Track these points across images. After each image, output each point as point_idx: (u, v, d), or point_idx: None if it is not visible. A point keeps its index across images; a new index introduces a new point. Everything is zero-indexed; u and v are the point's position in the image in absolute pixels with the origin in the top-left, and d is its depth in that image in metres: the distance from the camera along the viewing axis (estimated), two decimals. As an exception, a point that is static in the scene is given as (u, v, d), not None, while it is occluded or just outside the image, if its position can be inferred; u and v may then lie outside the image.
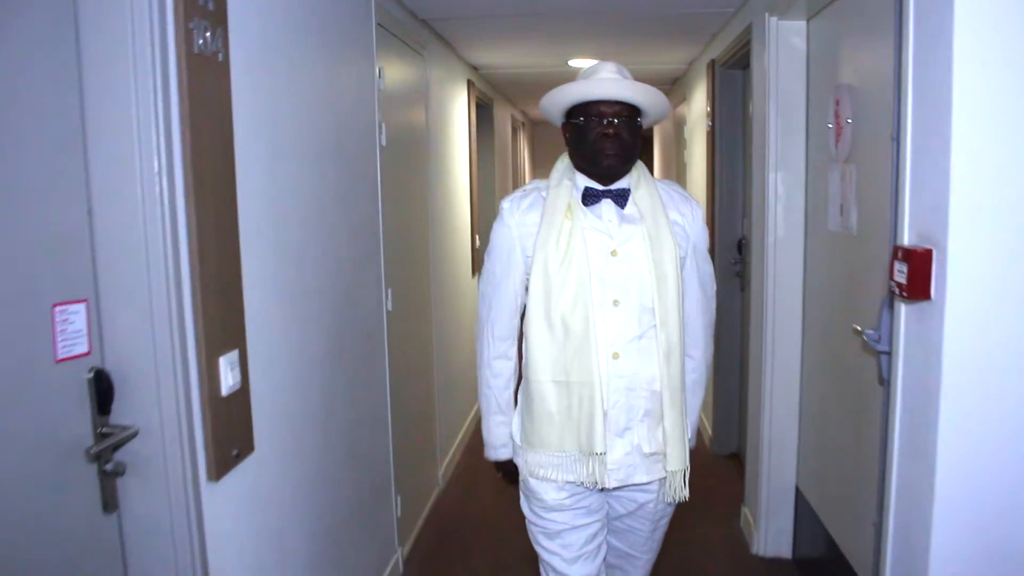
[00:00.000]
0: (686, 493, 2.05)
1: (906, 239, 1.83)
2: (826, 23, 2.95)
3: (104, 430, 1.63)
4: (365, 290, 3.02)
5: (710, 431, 4.99)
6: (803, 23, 3.16)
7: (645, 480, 2.06)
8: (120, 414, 1.65)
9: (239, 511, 1.95)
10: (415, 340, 3.89)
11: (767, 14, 3.22)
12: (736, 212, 4.52)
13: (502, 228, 2.09)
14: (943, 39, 1.64)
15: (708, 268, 2.18)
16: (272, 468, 2.13)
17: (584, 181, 2.04)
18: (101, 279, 1.62)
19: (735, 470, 4.52)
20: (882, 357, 2.10)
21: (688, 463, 2.05)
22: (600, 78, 1.98)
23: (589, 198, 2.02)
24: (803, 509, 3.38)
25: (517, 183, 8.26)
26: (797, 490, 3.45)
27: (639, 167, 2.08)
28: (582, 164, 2.04)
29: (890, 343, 1.99)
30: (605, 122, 1.96)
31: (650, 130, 10.22)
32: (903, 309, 1.85)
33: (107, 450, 1.62)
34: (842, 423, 2.82)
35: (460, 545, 3.77)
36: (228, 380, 1.83)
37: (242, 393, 1.91)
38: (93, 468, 1.62)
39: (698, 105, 5.22)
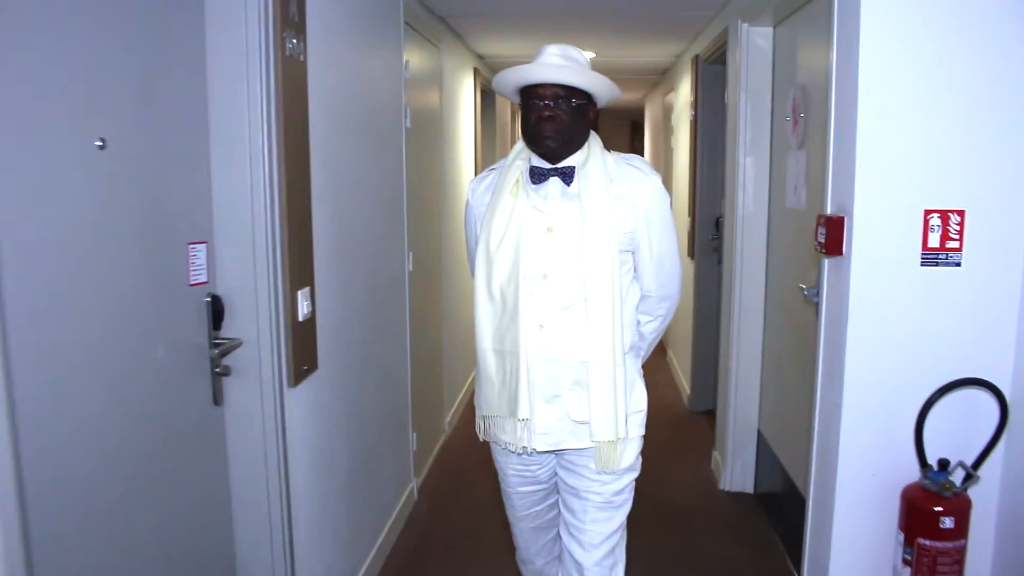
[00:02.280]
0: (618, 465, 2.11)
1: (828, 210, 2.37)
2: (787, 31, 3.48)
3: (216, 340, 2.15)
4: (392, 251, 3.54)
5: (688, 391, 5.55)
6: (770, 29, 3.68)
7: (576, 446, 2.12)
8: (228, 329, 2.18)
9: (306, 414, 2.49)
10: (428, 301, 4.42)
11: (740, 20, 3.74)
12: (716, 193, 5.05)
13: (467, 208, 2.28)
14: (852, 59, 2.17)
15: (665, 243, 2.15)
16: (328, 385, 2.67)
17: (536, 160, 2.11)
18: (216, 226, 2.15)
19: (709, 424, 5.05)
20: (818, 307, 2.64)
21: (623, 435, 2.07)
22: (538, 63, 2.04)
23: (537, 176, 2.08)
24: (763, 449, 3.94)
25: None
26: (759, 433, 4.01)
27: (591, 145, 2.11)
28: (527, 144, 2.11)
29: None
30: (542, 104, 2.01)
31: (642, 116, 10.64)
32: (825, 263, 2.39)
33: (218, 356, 2.15)
34: (792, 370, 3.36)
35: (465, 481, 4.32)
36: (303, 309, 2.36)
37: (312, 321, 2.45)
38: (208, 369, 2.14)
39: (684, 95, 5.74)
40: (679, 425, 5.22)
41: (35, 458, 1.51)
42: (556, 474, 2.25)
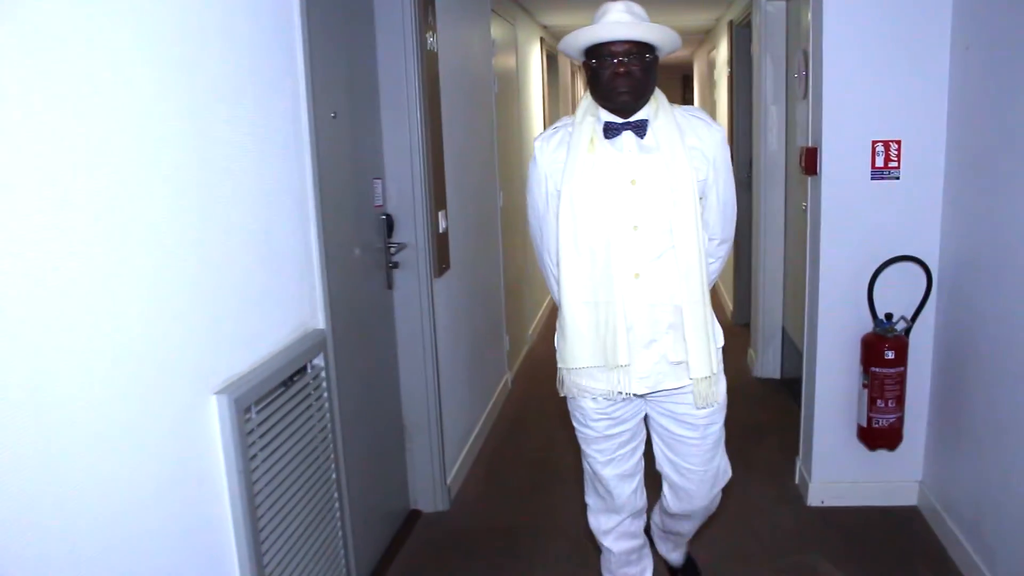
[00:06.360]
0: (716, 398, 2.23)
1: (809, 143, 3.31)
2: (795, 5, 4.38)
3: (389, 244, 3.21)
4: (489, 190, 4.59)
5: (731, 306, 6.52)
6: (784, 4, 4.59)
7: (675, 385, 2.21)
8: (397, 236, 3.24)
9: (443, 300, 3.55)
10: (514, 233, 5.46)
11: (760, -3, 4.66)
12: (748, 136, 5.96)
13: (534, 167, 2.28)
14: (820, 32, 3.10)
15: (729, 189, 2.25)
16: (456, 281, 3.73)
17: (606, 116, 2.14)
18: (387, 168, 3.19)
19: (748, 333, 6.03)
20: (807, 215, 3.59)
21: (715, 370, 2.19)
22: (607, 21, 2.05)
23: (610, 131, 2.12)
24: (787, 342, 4.91)
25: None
26: (783, 329, 4.97)
27: (657, 98, 2.15)
28: (600, 101, 2.14)
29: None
30: (616, 61, 2.04)
31: (691, 71, 11.45)
32: (808, 181, 3.35)
33: (391, 254, 3.21)
34: (802, 272, 4.31)
35: (548, 377, 5.35)
36: (442, 224, 3.42)
37: (446, 234, 3.51)
38: (384, 264, 3.20)
39: (722, 54, 6.63)
40: (724, 333, 6.18)
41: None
42: (645, 419, 2.37)
